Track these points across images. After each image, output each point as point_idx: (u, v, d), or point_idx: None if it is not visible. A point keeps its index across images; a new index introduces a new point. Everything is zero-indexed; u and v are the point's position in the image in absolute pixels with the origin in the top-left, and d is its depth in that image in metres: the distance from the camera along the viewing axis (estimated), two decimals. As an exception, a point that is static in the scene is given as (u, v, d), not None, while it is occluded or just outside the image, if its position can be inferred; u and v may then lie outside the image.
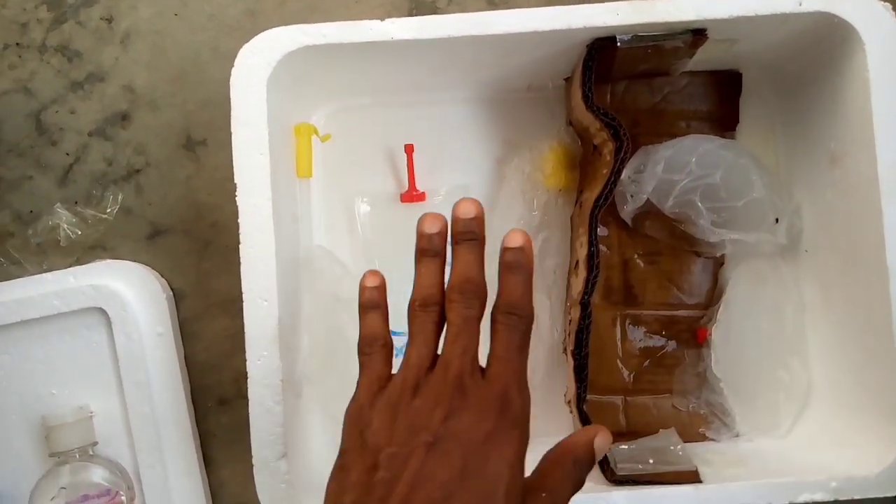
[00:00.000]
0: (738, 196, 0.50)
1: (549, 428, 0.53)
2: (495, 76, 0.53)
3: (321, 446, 0.49)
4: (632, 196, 0.50)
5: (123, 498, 0.53)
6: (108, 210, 0.57)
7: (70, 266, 0.56)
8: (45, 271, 0.56)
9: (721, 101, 0.54)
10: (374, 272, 0.40)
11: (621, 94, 0.54)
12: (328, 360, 0.50)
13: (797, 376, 0.52)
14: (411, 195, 0.54)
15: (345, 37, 0.44)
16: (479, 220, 0.37)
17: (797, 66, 0.51)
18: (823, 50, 0.47)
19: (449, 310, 0.35)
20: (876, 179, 0.44)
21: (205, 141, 0.57)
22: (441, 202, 0.54)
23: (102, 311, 0.54)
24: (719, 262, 0.54)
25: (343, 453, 0.34)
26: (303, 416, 0.48)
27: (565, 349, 0.52)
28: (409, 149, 0.53)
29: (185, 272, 0.57)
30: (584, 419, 0.45)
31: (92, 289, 0.53)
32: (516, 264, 0.35)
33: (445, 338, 0.35)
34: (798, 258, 0.53)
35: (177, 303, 0.57)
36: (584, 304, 0.46)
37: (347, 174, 0.54)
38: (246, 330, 0.43)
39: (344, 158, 0.54)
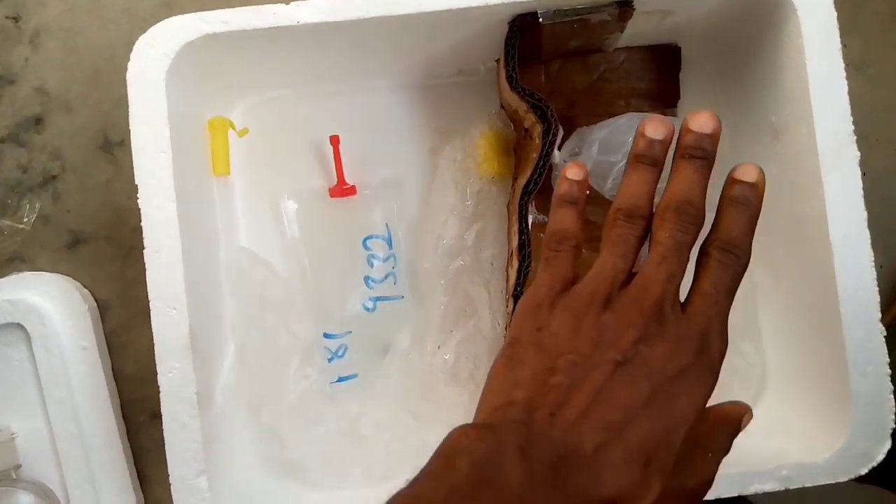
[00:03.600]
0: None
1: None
2: (422, 60, 0.50)
3: (250, 456, 0.47)
4: (568, 180, 0.48)
5: (52, 522, 0.51)
6: (25, 219, 0.54)
7: (-15, 280, 0.53)
8: (-40, 287, 0.53)
9: (660, 77, 0.52)
10: (580, 164, 0.36)
11: (556, 74, 0.51)
12: (256, 367, 0.47)
13: (751, 361, 0.50)
14: (341, 189, 0.51)
15: (247, 23, 0.41)
16: (714, 137, 0.33)
17: (735, 38, 0.49)
18: (758, 18, 0.45)
19: (659, 227, 0.32)
20: (816, 152, 0.42)
21: (123, 142, 0.54)
22: (373, 195, 0.52)
23: (21, 327, 0.51)
24: (665, 246, 0.52)
25: (516, 343, 0.31)
26: (228, 428, 0.45)
27: (507, 344, 0.50)
28: (334, 140, 0.50)
29: (109, 281, 0.54)
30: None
31: (9, 304, 0.51)
32: (744, 199, 0.32)
33: (649, 258, 0.31)
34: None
35: (101, 314, 0.54)
36: (517, 297, 0.43)
37: (272, 171, 0.51)
38: (155, 341, 0.41)
39: (267, 154, 0.51)
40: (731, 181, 0.33)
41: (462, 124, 0.51)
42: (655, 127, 0.34)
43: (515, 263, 0.44)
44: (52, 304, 0.51)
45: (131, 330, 0.54)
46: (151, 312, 0.41)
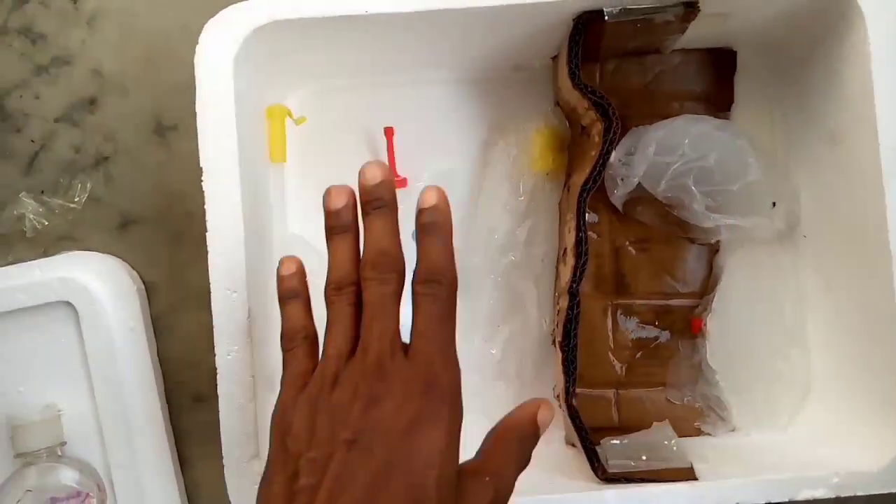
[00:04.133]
0: (733, 179, 0.48)
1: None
2: (479, 55, 0.50)
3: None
4: (622, 180, 0.48)
5: (94, 500, 0.51)
6: (77, 199, 0.55)
7: (36, 258, 0.54)
8: (10, 264, 0.54)
9: (715, 81, 0.52)
10: (291, 258, 0.37)
11: (611, 74, 0.51)
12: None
13: (796, 368, 0.50)
14: (392, 181, 0.51)
15: (318, 10, 0.41)
16: (386, 183, 0.34)
17: (794, 43, 0.49)
18: (821, 24, 0.45)
19: (364, 289, 0.33)
20: (878, 159, 0.42)
21: (176, 126, 0.55)
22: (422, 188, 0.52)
23: (70, 306, 0.51)
24: (714, 249, 0.52)
25: (267, 464, 0.32)
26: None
27: (554, 341, 0.50)
28: (388, 132, 0.51)
29: (158, 264, 0.55)
30: (574, 414, 0.43)
31: (59, 282, 0.51)
32: (432, 226, 0.33)
33: (362, 321, 0.32)
34: (796, 244, 0.51)
35: (149, 296, 0.55)
36: (573, 294, 0.43)
37: (324, 159, 0.52)
38: (214, 323, 0.41)
39: (320, 143, 0.52)
40: (418, 212, 0.33)
41: (516, 120, 0.51)
42: (336, 197, 0.35)
43: (571, 261, 0.44)
44: (102, 283, 0.52)
45: (178, 313, 0.55)
46: (212, 295, 0.41)
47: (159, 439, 0.53)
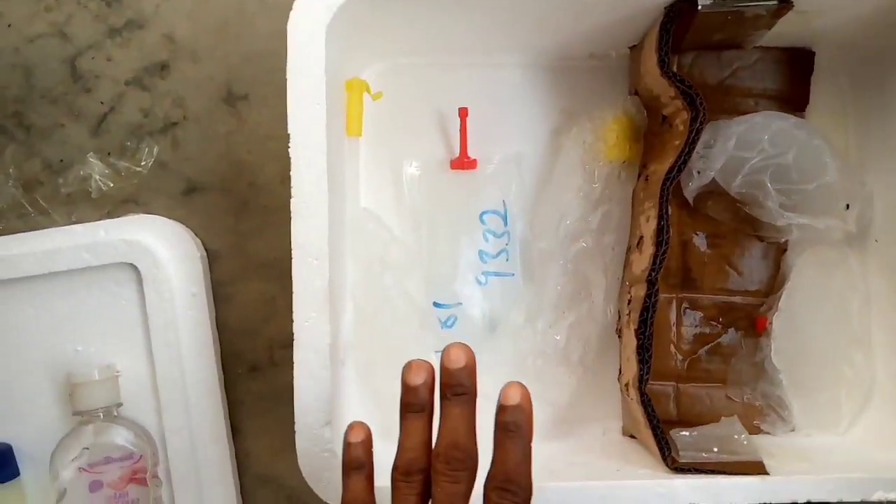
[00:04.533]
0: (809, 178, 0.48)
1: (598, 412, 0.51)
2: (557, 42, 0.50)
3: (360, 417, 0.47)
4: (698, 172, 0.48)
5: (147, 463, 0.51)
6: (143, 163, 0.55)
7: (100, 219, 0.54)
8: (74, 223, 0.54)
9: (791, 81, 0.52)
10: (359, 424, 0.36)
11: (689, 67, 0.51)
12: (372, 328, 0.48)
13: (860, 371, 0.50)
14: (462, 162, 0.51)
15: (411, -17, 0.41)
16: (469, 369, 0.33)
17: (877, 45, 0.49)
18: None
19: (434, 482, 0.32)
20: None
21: (247, 96, 0.55)
22: (493, 171, 0.52)
23: (134, 268, 0.51)
24: (782, 249, 0.51)
25: None
26: (344, 386, 0.46)
27: (618, 330, 0.50)
28: (462, 112, 0.50)
29: (221, 232, 0.55)
30: (646, 402, 0.43)
31: (124, 243, 0.51)
32: (513, 427, 0.32)
33: None
34: (866, 248, 0.51)
35: (210, 264, 0.55)
36: (651, 282, 0.43)
37: (397, 136, 0.52)
38: (294, 290, 0.41)
39: (394, 119, 0.52)
40: (499, 408, 0.32)
41: (589, 107, 0.51)
42: (415, 373, 0.34)
43: (650, 249, 0.44)
44: (167, 247, 0.52)
45: (238, 282, 0.55)
46: (293, 262, 0.41)
47: (214, 407, 0.53)
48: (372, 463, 0.35)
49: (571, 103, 0.52)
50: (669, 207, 0.46)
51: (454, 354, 0.33)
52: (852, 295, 0.50)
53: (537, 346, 0.49)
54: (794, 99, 0.52)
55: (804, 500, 0.41)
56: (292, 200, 0.41)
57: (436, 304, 0.51)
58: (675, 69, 0.51)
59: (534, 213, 0.52)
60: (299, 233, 0.41)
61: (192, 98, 0.55)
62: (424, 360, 0.34)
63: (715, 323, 0.51)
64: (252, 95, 0.55)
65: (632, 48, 0.51)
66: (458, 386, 0.33)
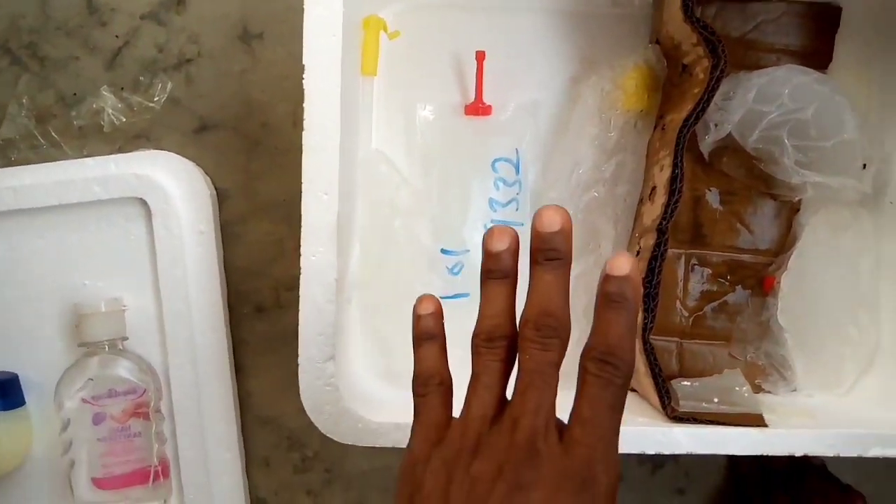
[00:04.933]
0: (827, 136, 0.47)
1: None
2: (579, -14, 0.50)
3: (362, 358, 0.47)
4: (716, 125, 0.47)
5: (151, 397, 0.51)
6: (156, 99, 0.54)
7: (112, 153, 0.54)
8: (86, 156, 0.54)
9: (815, 37, 0.51)
10: (429, 297, 0.34)
11: (712, 19, 0.50)
12: (379, 269, 0.47)
13: (866, 333, 0.49)
14: (476, 107, 0.51)
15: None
16: (565, 233, 0.30)
17: (906, 2, 0.48)
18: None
19: (521, 350, 0.29)
20: None
21: (262, 34, 0.54)
22: (508, 119, 0.51)
23: (143, 203, 0.51)
24: (794, 208, 0.51)
25: None
26: (351, 325, 0.46)
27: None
28: (479, 56, 0.50)
29: (231, 171, 0.55)
30: (649, 350, 0.43)
31: (135, 178, 0.51)
32: (619, 297, 0.29)
33: (515, 386, 0.29)
34: (881, 209, 0.50)
35: (220, 203, 0.55)
36: (661, 230, 0.43)
37: (412, 77, 0.51)
38: (303, 223, 0.41)
39: (410, 60, 0.51)
40: (603, 278, 0.29)
41: (611, 56, 0.50)
42: (498, 238, 0.32)
43: (662, 198, 0.44)
44: (177, 184, 0.52)
45: (247, 222, 0.55)
46: (303, 195, 0.41)
47: (219, 345, 0.53)
48: (444, 335, 0.33)
49: (592, 51, 0.51)
50: (684, 157, 0.45)
51: (548, 217, 0.30)
52: (863, 256, 0.50)
53: (544, 295, 0.49)
54: (817, 56, 0.51)
55: (802, 454, 0.41)
56: (304, 133, 0.41)
57: (443, 251, 0.50)
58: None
59: (547, 162, 0.51)
60: (310, 166, 0.41)
61: (207, 35, 0.55)
62: (507, 227, 0.32)
63: (723, 280, 0.51)
64: (267, 34, 0.54)
65: (654, -3, 0.50)
66: (552, 251, 0.30)
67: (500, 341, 0.31)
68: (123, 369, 0.51)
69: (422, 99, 0.51)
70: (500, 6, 0.51)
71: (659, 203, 0.44)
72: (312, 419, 0.41)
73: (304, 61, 0.41)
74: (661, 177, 0.44)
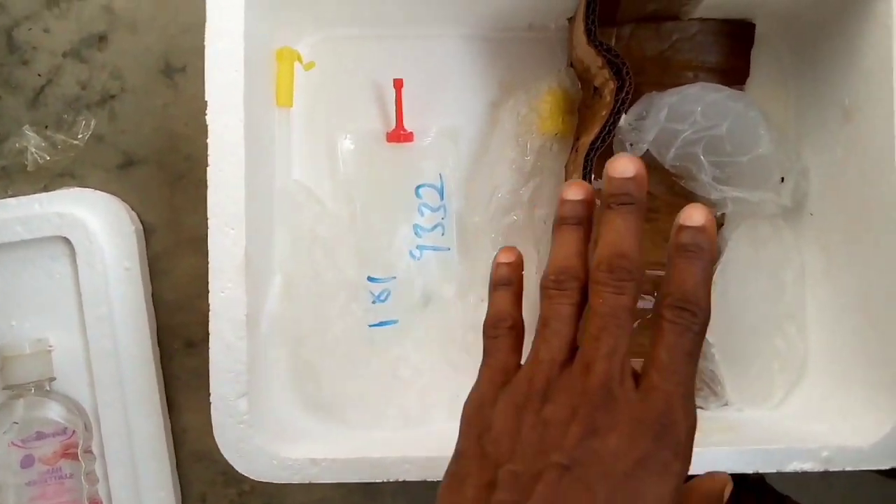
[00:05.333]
0: (743, 151, 0.47)
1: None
2: (494, 11, 0.50)
3: (287, 390, 0.47)
4: (631, 145, 0.47)
5: (80, 438, 0.51)
6: (80, 136, 0.54)
7: (36, 192, 0.53)
8: (10, 196, 0.53)
9: (731, 53, 0.51)
10: (511, 248, 0.34)
11: (627, 40, 0.50)
12: (301, 300, 0.47)
13: (793, 345, 0.49)
14: (398, 134, 0.51)
15: (330, -50, 0.41)
16: (639, 180, 0.30)
17: (815, 17, 0.48)
18: (846, -2, 0.44)
19: (593, 292, 0.29)
20: (892, 135, 0.41)
21: (184, 68, 0.54)
22: (430, 144, 0.51)
23: (67, 241, 0.51)
24: (718, 223, 0.51)
25: (458, 456, 0.29)
26: (270, 358, 0.45)
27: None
28: (398, 84, 0.50)
29: (157, 206, 0.54)
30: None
31: (58, 217, 0.51)
32: (695, 247, 0.28)
33: (587, 330, 0.28)
34: (801, 221, 0.50)
35: (147, 238, 0.54)
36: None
37: (331, 107, 0.51)
38: (210, 259, 0.40)
39: (329, 91, 0.51)
40: (677, 228, 0.30)
41: (528, 80, 0.50)
42: (576, 190, 0.32)
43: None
44: (100, 221, 0.51)
45: (174, 257, 0.54)
46: (209, 231, 0.40)
47: (149, 381, 0.52)
48: (521, 284, 0.33)
49: (510, 75, 0.52)
50: (593, 185, 0.45)
51: (621, 164, 0.30)
52: (787, 269, 0.50)
53: (469, 320, 0.49)
54: (734, 71, 0.52)
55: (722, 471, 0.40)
56: (208, 169, 0.41)
57: (370, 279, 0.50)
58: (613, 42, 0.51)
59: (470, 186, 0.51)
60: (215, 202, 0.40)
61: (129, 70, 0.54)
62: (585, 182, 0.33)
63: (650, 298, 0.51)
64: (190, 67, 0.54)
65: (570, 19, 0.50)
66: (626, 195, 0.29)
67: (571, 283, 0.30)
68: (51, 411, 0.50)
69: (343, 128, 0.51)
70: (417, 34, 0.51)
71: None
72: (226, 457, 0.41)
73: (207, 97, 0.41)
74: (574, 199, 0.44)
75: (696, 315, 0.28)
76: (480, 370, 0.31)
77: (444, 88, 0.52)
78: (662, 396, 0.27)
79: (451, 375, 0.48)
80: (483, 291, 0.49)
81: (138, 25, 0.54)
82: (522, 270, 0.34)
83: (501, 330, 0.32)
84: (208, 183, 0.40)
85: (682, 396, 0.27)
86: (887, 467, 0.40)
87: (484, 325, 0.32)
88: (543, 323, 0.30)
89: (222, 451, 0.40)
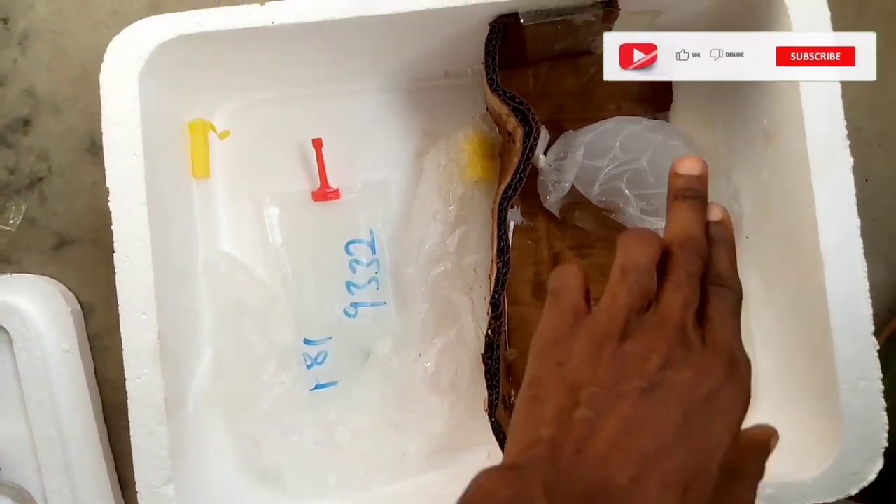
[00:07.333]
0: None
1: (480, 437, 0.49)
2: (408, 63, 0.49)
3: (226, 463, 0.46)
4: (553, 185, 0.47)
5: (31, 526, 0.50)
6: (11, 221, 0.54)
7: (-29, 281, 0.53)
8: (-55, 287, 0.53)
9: (652, 81, 0.50)
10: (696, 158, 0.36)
11: (544, 77, 0.50)
12: (233, 372, 0.47)
13: (742, 373, 0.48)
14: (324, 193, 0.50)
15: (221, 24, 0.40)
16: (703, 179, 0.35)
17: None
18: (749, 18, 0.44)
19: (672, 263, 0.32)
20: (807, 156, 0.40)
21: (109, 144, 0.54)
22: (357, 200, 0.51)
23: (3, 329, 0.51)
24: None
25: (534, 382, 0.30)
26: (202, 434, 0.45)
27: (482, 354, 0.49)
28: (317, 143, 0.50)
29: (94, 284, 0.54)
30: (496, 429, 0.42)
31: (-9, 306, 0.50)
32: (718, 237, 0.33)
33: (662, 288, 0.31)
34: (739, 245, 0.49)
35: (86, 317, 0.54)
36: (495, 304, 0.42)
37: (254, 174, 0.51)
38: (123, 346, 0.40)
39: (250, 157, 0.51)
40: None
41: (449, 128, 0.50)
42: (691, 164, 0.35)
43: (495, 270, 0.43)
44: (35, 306, 0.51)
45: (115, 333, 0.52)
46: (120, 317, 0.40)
47: (97, 462, 0.52)
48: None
49: (432, 124, 0.51)
50: (526, 225, 0.45)
51: (688, 163, 0.35)
52: (727, 295, 0.49)
53: (407, 374, 0.48)
54: (657, 99, 0.51)
55: None
56: (115, 255, 0.40)
57: (306, 342, 0.50)
58: (531, 81, 0.50)
59: (400, 239, 0.51)
60: (123, 288, 0.40)
61: (56, 151, 0.54)
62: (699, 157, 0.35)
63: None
64: (114, 143, 0.54)
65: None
66: (692, 190, 0.34)
67: (654, 243, 0.32)
68: (-1, 502, 0.50)
69: (267, 192, 0.51)
70: (336, 91, 0.51)
71: (495, 275, 0.43)
72: (157, 546, 0.40)
73: (108, 184, 0.40)
74: (494, 247, 0.44)
75: (731, 289, 0.32)
76: (547, 312, 0.32)
77: (368, 142, 0.51)
78: (725, 341, 0.30)
79: (393, 435, 0.47)
80: (420, 345, 0.49)
81: (61, 106, 0.54)
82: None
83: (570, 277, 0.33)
84: (115, 270, 0.40)
85: (739, 347, 0.30)
86: (832, 500, 0.39)
87: (550, 280, 0.33)
88: (622, 272, 0.32)
89: (152, 540, 0.40)
